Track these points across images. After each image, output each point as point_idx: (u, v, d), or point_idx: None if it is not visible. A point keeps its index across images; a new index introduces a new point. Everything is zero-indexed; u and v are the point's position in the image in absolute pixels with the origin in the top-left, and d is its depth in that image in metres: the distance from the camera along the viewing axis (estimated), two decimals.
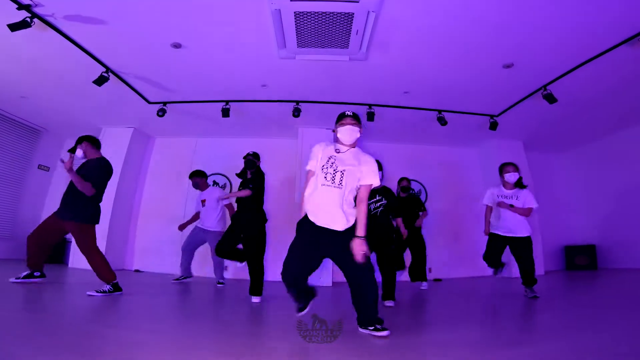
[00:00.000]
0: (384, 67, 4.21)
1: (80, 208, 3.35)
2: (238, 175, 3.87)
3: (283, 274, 2.21)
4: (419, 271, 4.82)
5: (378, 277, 2.68)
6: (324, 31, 3.53)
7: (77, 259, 5.15)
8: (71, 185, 3.38)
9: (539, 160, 6.93)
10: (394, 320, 2.61)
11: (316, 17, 3.34)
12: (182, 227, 5.05)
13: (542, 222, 6.25)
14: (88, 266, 3.39)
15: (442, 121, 5.24)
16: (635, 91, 4.64)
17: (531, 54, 3.89)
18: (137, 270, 5.82)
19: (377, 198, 3.60)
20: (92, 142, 3.64)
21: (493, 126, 5.39)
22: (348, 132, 2.28)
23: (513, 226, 3.77)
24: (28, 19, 3.25)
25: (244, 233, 3.60)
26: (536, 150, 6.89)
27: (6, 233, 6.02)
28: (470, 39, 3.64)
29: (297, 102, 4.99)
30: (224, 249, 3.66)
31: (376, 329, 2.09)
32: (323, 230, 2.18)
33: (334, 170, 2.20)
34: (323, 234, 2.18)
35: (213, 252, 4.42)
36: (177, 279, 4.78)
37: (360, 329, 2.17)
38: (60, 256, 5.95)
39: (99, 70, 4.24)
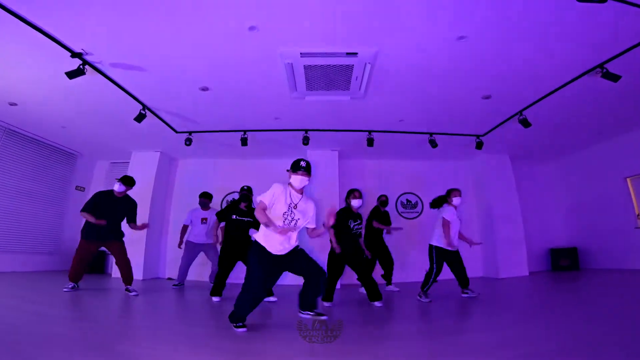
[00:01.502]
0: (381, 102, 4.92)
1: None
2: (228, 207, 4.87)
3: (256, 298, 2.79)
4: (388, 274, 5.50)
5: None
6: (328, 78, 4.25)
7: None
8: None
9: (524, 171, 7.63)
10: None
11: (322, 68, 4.07)
12: (180, 245, 5.85)
13: (528, 227, 6.94)
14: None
15: (433, 144, 5.94)
16: (599, 112, 5.30)
17: (506, 86, 4.52)
18: (169, 278, 6.52)
19: (359, 221, 4.45)
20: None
21: (479, 145, 6.08)
22: (299, 181, 2.88)
23: (455, 242, 4.47)
24: (81, 67, 3.84)
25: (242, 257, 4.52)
26: (522, 162, 7.58)
27: (52, 248, 6.83)
28: (452, 77, 4.28)
29: (306, 130, 5.73)
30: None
31: (317, 314, 3.05)
32: (280, 256, 2.86)
33: (292, 218, 2.81)
34: (280, 258, 2.86)
35: (214, 259, 5.53)
36: (176, 285, 5.55)
37: (301, 314, 3.09)
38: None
39: (134, 105, 4.90)
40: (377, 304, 4.08)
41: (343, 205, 4.60)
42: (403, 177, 7.30)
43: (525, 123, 5.13)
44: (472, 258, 6.12)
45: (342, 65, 4.00)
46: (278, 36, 3.52)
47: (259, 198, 2.82)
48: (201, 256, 5.83)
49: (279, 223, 2.77)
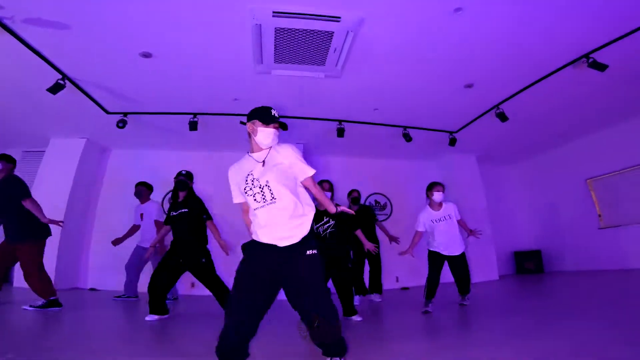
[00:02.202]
0: (356, 84, 4.35)
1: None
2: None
3: (236, 321, 1.72)
4: (375, 285, 4.91)
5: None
6: (302, 48, 3.58)
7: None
8: None
9: (490, 173, 7.52)
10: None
11: (296, 34, 3.39)
12: (116, 242, 4.78)
13: (494, 230, 6.75)
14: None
15: (407, 137, 5.50)
16: (573, 110, 5.26)
17: (489, 74, 4.24)
18: (92, 289, 5.40)
19: (325, 220, 3.59)
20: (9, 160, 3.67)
21: (452, 142, 5.77)
22: (269, 136, 1.91)
23: (450, 243, 3.88)
24: None
25: (190, 261, 3.49)
26: (488, 163, 7.48)
27: None
28: (439, 59, 3.88)
29: None
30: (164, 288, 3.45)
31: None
32: (282, 249, 1.82)
33: (260, 187, 1.85)
34: (280, 254, 1.81)
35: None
36: (119, 296, 4.55)
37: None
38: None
39: (51, 75, 3.85)
40: (355, 318, 3.45)
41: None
42: (371, 176, 6.79)
43: (503, 117, 4.92)
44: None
45: (320, 31, 3.35)
46: None
47: (234, 202, 2.03)
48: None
49: (253, 206, 1.87)
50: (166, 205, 5.85)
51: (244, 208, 2.03)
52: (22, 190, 3.55)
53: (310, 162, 5.56)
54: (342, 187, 6.32)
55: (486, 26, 3.37)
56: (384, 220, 6.57)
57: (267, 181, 1.85)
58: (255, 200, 1.85)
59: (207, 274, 3.51)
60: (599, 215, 6.21)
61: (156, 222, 4.73)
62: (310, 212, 1.92)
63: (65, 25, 3.18)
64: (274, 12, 3.10)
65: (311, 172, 1.95)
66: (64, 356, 2.07)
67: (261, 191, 1.84)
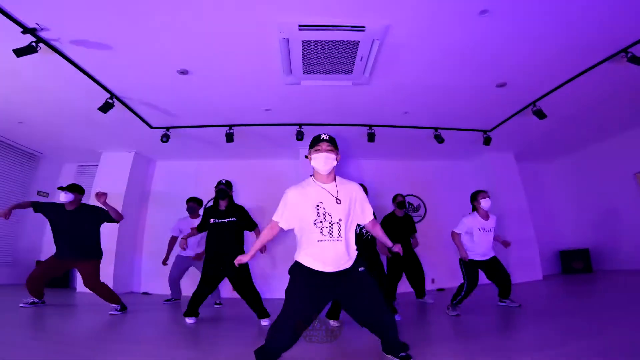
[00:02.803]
0: (386, 90, 4.38)
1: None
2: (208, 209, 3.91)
3: (292, 334, 1.92)
4: (420, 291, 4.84)
5: None
6: (329, 58, 3.68)
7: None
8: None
9: (530, 170, 7.22)
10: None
11: (323, 45, 3.49)
12: (165, 261, 5.11)
13: (537, 229, 6.49)
14: None
15: (439, 139, 5.43)
16: (614, 104, 4.95)
17: (523, 73, 4.11)
18: (145, 293, 5.83)
19: (361, 226, 3.65)
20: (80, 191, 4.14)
21: (487, 141, 5.62)
22: (323, 160, 2.03)
23: (487, 251, 3.86)
24: (34, 44, 3.17)
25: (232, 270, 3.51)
26: (526, 160, 7.18)
27: (8, 260, 5.93)
28: (468, 60, 3.82)
29: (300, 125, 5.12)
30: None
31: (400, 357, 2.04)
32: (330, 276, 2.01)
33: (330, 223, 1.98)
34: (329, 279, 2.01)
35: None
36: (169, 300, 4.95)
37: (387, 355, 2.12)
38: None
39: (101, 95, 4.20)
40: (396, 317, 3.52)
41: None
42: (404, 178, 6.74)
43: (540, 114, 4.70)
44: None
45: (346, 41, 3.43)
46: (274, 4, 2.94)
47: (273, 219, 2.15)
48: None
49: (316, 237, 1.98)
50: None
51: (275, 229, 2.15)
52: (108, 215, 4.07)
53: (341, 165, 5.71)
54: (375, 189, 6.37)
55: (514, 26, 3.28)
56: (417, 222, 6.52)
57: (339, 219, 1.99)
58: (321, 233, 1.97)
59: (245, 283, 3.61)
60: None
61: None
62: (356, 253, 2.11)
63: (108, 46, 3.44)
64: (299, 25, 3.22)
65: (371, 210, 2.19)
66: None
67: (330, 226, 1.98)
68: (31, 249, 6.25)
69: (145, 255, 6.13)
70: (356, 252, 2.12)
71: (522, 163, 6.96)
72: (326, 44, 3.48)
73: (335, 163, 2.08)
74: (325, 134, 2.12)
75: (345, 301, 2.09)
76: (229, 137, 5.13)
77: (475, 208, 3.93)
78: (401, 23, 3.21)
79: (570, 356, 2.02)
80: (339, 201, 2.01)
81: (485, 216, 3.87)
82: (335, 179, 2.13)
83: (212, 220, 3.74)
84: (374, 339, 2.13)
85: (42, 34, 3.23)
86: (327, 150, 2.05)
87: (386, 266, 4.50)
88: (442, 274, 6.15)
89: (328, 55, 3.64)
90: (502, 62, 3.89)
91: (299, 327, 1.92)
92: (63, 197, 3.89)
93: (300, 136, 5.12)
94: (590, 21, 3.23)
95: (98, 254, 4.09)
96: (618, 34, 3.44)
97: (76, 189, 4.05)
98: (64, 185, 4.06)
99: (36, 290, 3.97)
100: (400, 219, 4.87)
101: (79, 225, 3.97)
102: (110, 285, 5.21)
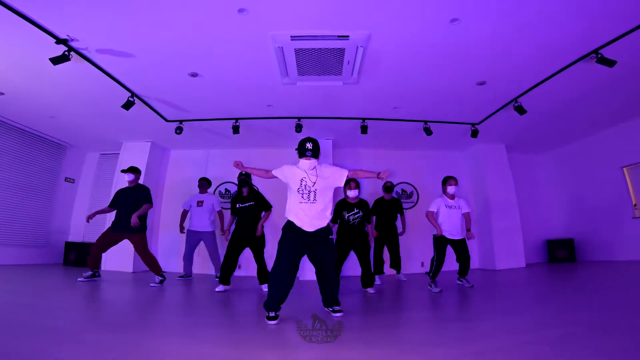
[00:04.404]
0: (374, 88, 4.82)
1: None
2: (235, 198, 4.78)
3: (283, 282, 2.73)
4: (395, 262, 5.56)
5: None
6: (320, 62, 4.15)
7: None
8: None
9: (520, 161, 7.56)
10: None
11: (313, 52, 3.96)
12: (183, 229, 5.79)
13: (524, 218, 6.87)
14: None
15: (428, 132, 5.85)
16: (596, 100, 5.23)
17: (500, 72, 4.44)
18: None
19: (355, 211, 4.39)
20: (138, 171, 5.00)
21: (474, 134, 6.00)
22: (307, 164, 2.91)
23: (455, 230, 4.47)
24: (67, 53, 3.73)
25: (254, 239, 4.54)
26: (517, 151, 7.51)
27: (41, 241, 6.68)
28: (446, 62, 4.19)
29: (299, 118, 5.62)
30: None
31: (334, 310, 2.90)
32: (308, 234, 2.85)
33: (309, 191, 2.87)
34: (308, 236, 2.86)
35: (210, 250, 5.54)
36: (182, 276, 5.58)
37: (325, 308, 3.00)
38: None
39: (123, 93, 4.79)
40: (369, 290, 4.32)
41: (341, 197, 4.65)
42: (399, 166, 7.18)
43: (521, 110, 5.06)
44: (469, 249, 6.03)
45: (333, 48, 3.89)
46: (268, 19, 3.42)
47: (273, 172, 3.04)
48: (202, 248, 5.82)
49: (298, 199, 2.85)
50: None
51: (269, 174, 3.03)
52: (147, 196, 4.84)
53: (339, 154, 6.27)
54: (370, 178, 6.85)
55: (485, 32, 3.62)
56: (410, 208, 7.01)
57: (315, 189, 2.87)
58: (302, 197, 2.85)
59: (259, 254, 4.53)
60: (634, 205, 6.11)
61: (219, 212, 5.77)
62: (329, 218, 2.96)
63: (129, 54, 4.01)
64: (291, 36, 3.69)
65: (344, 171, 3.00)
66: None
67: (308, 193, 2.86)
68: (60, 231, 7.01)
69: (161, 235, 6.78)
70: (330, 216, 2.96)
71: (513, 154, 7.31)
72: (316, 51, 3.95)
73: (316, 164, 2.96)
74: (309, 142, 2.92)
75: (312, 255, 2.93)
76: (235, 130, 5.68)
77: (444, 191, 4.61)
78: (380, 32, 3.63)
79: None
80: (313, 181, 2.91)
81: (451, 197, 4.56)
82: (316, 166, 2.97)
83: (237, 205, 4.66)
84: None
85: (73, 44, 3.80)
86: (310, 159, 2.91)
87: (373, 245, 5.12)
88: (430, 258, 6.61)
89: (319, 60, 4.10)
90: (477, 63, 4.24)
91: (289, 273, 2.71)
92: (127, 177, 4.83)
93: (299, 128, 5.63)
94: (561, 25, 3.50)
95: (143, 228, 4.77)
96: (587, 36, 3.69)
97: (134, 170, 4.90)
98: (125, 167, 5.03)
99: (96, 260, 4.68)
100: (387, 202, 5.60)
101: (133, 201, 4.73)
102: (130, 263, 5.96)
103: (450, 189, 4.54)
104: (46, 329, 2.28)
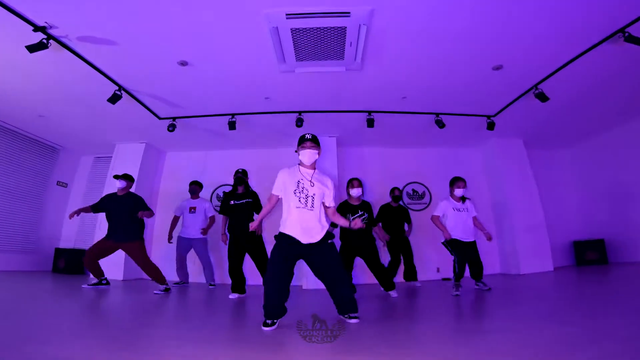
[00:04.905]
0: (380, 75, 4.39)
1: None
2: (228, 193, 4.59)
3: (273, 291, 2.48)
4: (410, 273, 5.31)
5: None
6: (320, 45, 3.74)
7: None
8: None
9: (540, 157, 7.02)
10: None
11: (311, 33, 3.56)
12: (170, 238, 5.51)
13: (548, 218, 6.32)
14: None
15: (440, 124, 5.39)
16: (624, 86, 4.74)
17: (518, 55, 4.01)
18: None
19: (360, 212, 4.12)
20: (131, 179, 4.68)
21: (490, 126, 5.52)
22: (307, 156, 2.67)
23: (466, 233, 4.24)
24: (44, 40, 3.40)
25: (250, 240, 4.29)
26: (537, 147, 6.96)
27: (30, 247, 6.33)
28: (457, 44, 3.78)
29: (300, 112, 5.21)
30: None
31: (350, 317, 2.61)
32: (304, 245, 2.57)
33: (306, 195, 2.59)
34: (304, 247, 2.57)
35: (202, 257, 5.29)
36: (177, 283, 5.34)
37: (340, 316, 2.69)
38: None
39: (110, 88, 4.43)
40: (392, 293, 4.05)
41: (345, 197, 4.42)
42: (408, 166, 6.72)
43: (542, 97, 4.58)
44: (487, 252, 5.55)
45: (333, 27, 3.49)
46: None
47: (272, 192, 2.74)
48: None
49: (295, 204, 2.58)
50: (214, 201, 6.41)
51: (273, 200, 2.74)
52: (145, 206, 4.59)
53: (344, 154, 5.93)
54: (378, 179, 6.41)
55: (503, 10, 3.24)
56: (422, 209, 6.52)
57: (313, 194, 2.62)
58: (299, 201, 2.58)
59: (260, 252, 4.30)
60: None
61: (210, 218, 5.47)
62: (327, 227, 2.70)
63: (112, 41, 3.66)
64: (287, 14, 3.30)
65: (333, 204, 2.79)
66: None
67: (305, 197, 2.59)
68: (51, 237, 6.66)
69: (155, 242, 6.38)
70: (327, 226, 2.69)
71: (532, 150, 6.77)
72: (315, 31, 3.54)
73: (317, 157, 2.71)
74: (308, 134, 2.72)
75: (315, 267, 2.66)
76: (232, 125, 5.28)
77: (451, 193, 4.39)
78: (384, 6, 3.22)
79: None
80: (312, 184, 2.65)
81: (459, 199, 4.35)
82: (315, 169, 2.74)
83: (231, 202, 4.42)
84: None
85: (52, 32, 3.47)
86: (311, 147, 2.67)
87: (389, 252, 5.28)
88: (448, 263, 6.06)
89: (318, 42, 3.70)
90: (495, 44, 3.81)
91: (281, 280, 2.49)
92: (118, 184, 4.50)
93: (300, 123, 5.21)
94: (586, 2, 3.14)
95: (138, 235, 4.49)
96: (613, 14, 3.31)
97: (128, 178, 4.60)
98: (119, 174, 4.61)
99: (94, 268, 4.46)
100: (394, 209, 5.37)
101: (125, 209, 4.43)
102: (121, 271, 5.56)
103: (458, 191, 4.33)
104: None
